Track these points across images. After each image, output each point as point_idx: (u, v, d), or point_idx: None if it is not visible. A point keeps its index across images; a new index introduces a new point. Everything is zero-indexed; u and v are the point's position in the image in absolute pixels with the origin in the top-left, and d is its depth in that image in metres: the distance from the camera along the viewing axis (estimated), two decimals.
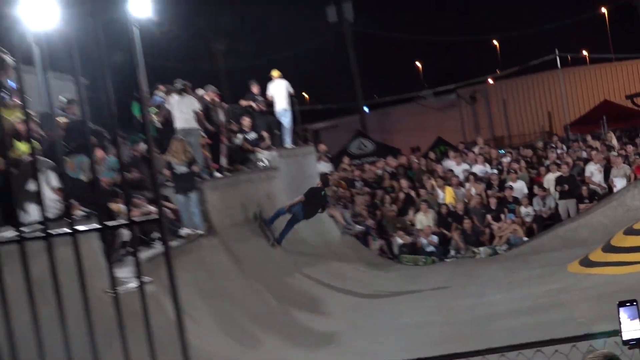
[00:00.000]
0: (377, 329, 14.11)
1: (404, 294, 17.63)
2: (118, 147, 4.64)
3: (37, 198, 4.54)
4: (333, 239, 21.75)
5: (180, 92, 17.42)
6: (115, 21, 4.34)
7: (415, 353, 5.06)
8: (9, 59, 10.89)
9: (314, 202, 18.61)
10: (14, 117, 10.13)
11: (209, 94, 19.35)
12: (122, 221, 4.54)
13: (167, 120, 17.51)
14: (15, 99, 11.01)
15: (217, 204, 16.81)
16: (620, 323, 4.79)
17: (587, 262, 17.10)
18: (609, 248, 17.11)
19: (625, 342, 4.81)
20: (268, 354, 12.52)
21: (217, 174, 18.05)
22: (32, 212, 9.59)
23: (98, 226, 4.48)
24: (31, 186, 9.68)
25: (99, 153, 11.44)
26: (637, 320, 4.77)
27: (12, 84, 11.46)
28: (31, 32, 4.46)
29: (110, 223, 4.60)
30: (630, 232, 17.35)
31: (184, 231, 14.71)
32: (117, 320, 4.33)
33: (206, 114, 18.10)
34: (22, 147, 10.07)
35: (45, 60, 4.46)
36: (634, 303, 4.80)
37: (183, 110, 17.25)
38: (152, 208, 13.93)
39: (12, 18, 4.18)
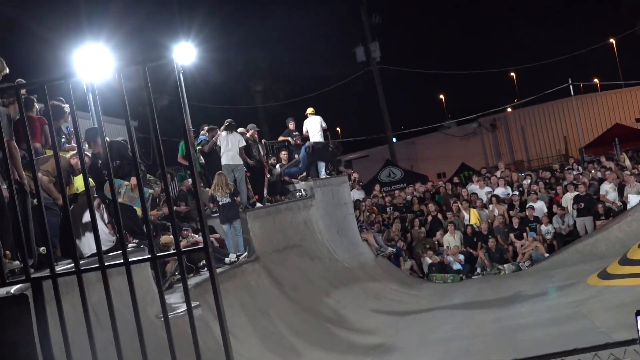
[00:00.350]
0: (411, 343, 13.97)
1: (434, 310, 17.48)
2: (166, 182, 4.63)
3: (93, 232, 4.55)
4: (367, 260, 21.69)
5: (228, 128, 17.62)
6: (162, 68, 4.38)
7: None
8: (66, 107, 11.03)
9: (319, 152, 19.16)
10: (69, 155, 10.20)
11: (249, 131, 19.47)
12: (171, 251, 4.53)
13: (214, 154, 17.69)
14: (73, 143, 11.12)
15: (258, 232, 16.81)
16: (638, 331, 4.71)
17: (605, 275, 16.84)
18: (626, 261, 16.83)
19: None
20: None
21: (259, 204, 18.09)
22: (88, 244, 9.63)
23: (149, 256, 4.48)
24: (86, 218, 9.73)
25: (133, 180, 11.17)
26: None
27: (69, 129, 11.61)
28: (86, 81, 4.50)
29: (159, 254, 4.59)
30: None
31: (229, 258, 14.74)
32: (168, 342, 4.32)
33: (246, 150, 18.21)
34: (78, 183, 10.11)
35: (98, 105, 4.49)
36: None
37: (229, 146, 17.40)
38: (199, 238, 14.01)
39: (69, 70, 4.25)
